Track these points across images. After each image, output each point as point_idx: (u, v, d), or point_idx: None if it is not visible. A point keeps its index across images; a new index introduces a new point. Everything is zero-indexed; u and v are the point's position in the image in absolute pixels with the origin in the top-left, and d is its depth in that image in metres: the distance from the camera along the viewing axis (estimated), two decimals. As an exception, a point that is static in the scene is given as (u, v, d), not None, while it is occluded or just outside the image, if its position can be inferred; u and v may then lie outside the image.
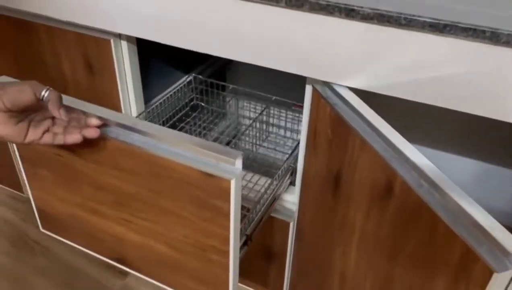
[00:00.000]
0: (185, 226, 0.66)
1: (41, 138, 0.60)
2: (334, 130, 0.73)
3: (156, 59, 1.09)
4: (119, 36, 0.90)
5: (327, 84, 0.73)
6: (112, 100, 0.98)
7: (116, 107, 0.99)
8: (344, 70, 0.69)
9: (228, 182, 0.57)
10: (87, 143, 0.63)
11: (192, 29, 0.77)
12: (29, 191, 0.82)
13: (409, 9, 0.60)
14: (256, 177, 0.95)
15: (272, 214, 0.91)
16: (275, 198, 0.86)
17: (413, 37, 0.61)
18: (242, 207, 0.68)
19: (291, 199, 0.93)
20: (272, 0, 0.67)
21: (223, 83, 1.22)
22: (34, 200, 0.83)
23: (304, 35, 0.69)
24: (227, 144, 1.13)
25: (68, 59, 0.98)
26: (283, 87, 1.11)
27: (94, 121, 0.62)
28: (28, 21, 0.96)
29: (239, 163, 0.57)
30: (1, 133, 0.57)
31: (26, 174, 0.79)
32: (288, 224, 0.93)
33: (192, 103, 1.22)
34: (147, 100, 1.05)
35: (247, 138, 1.30)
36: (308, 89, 0.77)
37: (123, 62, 0.94)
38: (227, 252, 0.64)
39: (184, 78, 1.19)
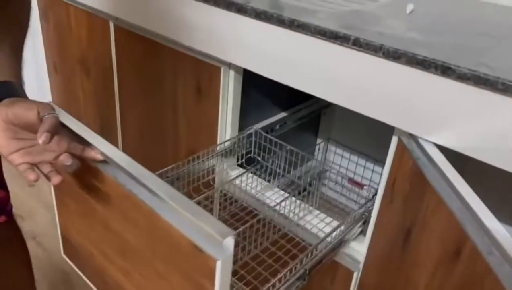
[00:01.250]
0: None
1: (20, 165, 0.57)
2: (412, 184, 0.72)
3: (257, 92, 1.17)
4: (229, 65, 0.99)
5: (413, 137, 0.73)
6: (211, 122, 1.08)
7: (213, 129, 1.08)
8: (433, 125, 0.69)
9: (214, 262, 0.50)
10: (99, 182, 0.62)
11: (294, 67, 0.84)
12: (56, 214, 0.82)
13: (508, 74, 0.60)
14: (328, 219, 0.96)
15: (337, 259, 0.91)
16: (342, 242, 0.86)
17: (508, 103, 0.60)
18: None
19: (359, 248, 0.92)
20: (371, 50, 0.71)
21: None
22: (59, 224, 0.83)
23: (398, 87, 0.71)
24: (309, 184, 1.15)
25: (183, 81, 1.11)
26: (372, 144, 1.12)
27: (94, 154, 0.60)
28: (158, 43, 1.11)
29: (228, 243, 0.50)
30: None
31: (55, 198, 0.79)
32: (351, 274, 0.91)
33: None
34: (241, 127, 1.13)
35: (328, 182, 1.31)
36: (394, 140, 0.78)
37: (228, 89, 1.03)
38: None
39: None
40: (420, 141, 0.71)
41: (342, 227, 0.86)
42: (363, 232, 0.91)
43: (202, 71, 1.04)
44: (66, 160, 0.58)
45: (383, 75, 0.72)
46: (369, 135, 1.32)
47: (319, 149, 1.52)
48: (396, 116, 0.73)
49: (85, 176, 0.66)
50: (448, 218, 0.62)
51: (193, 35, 0.99)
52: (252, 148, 1.05)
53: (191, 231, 0.53)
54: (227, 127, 1.09)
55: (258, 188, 1.06)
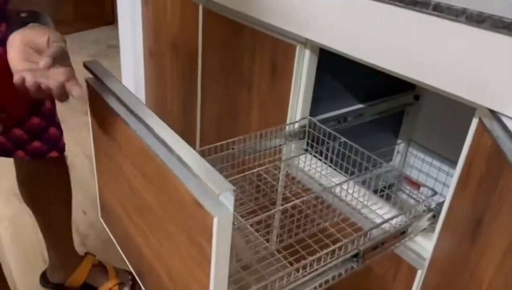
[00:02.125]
0: (180, 258, 0.56)
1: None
2: (489, 166, 0.64)
3: (333, 78, 1.14)
4: (305, 44, 0.98)
5: (495, 116, 0.65)
6: (282, 104, 1.07)
7: (284, 111, 1.07)
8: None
9: (211, 219, 0.46)
10: (126, 139, 0.61)
11: (367, 38, 0.80)
12: (95, 171, 0.82)
13: None
14: (391, 210, 0.89)
15: (399, 253, 0.84)
16: (404, 232, 0.79)
17: None
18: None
19: (425, 244, 0.84)
20: (451, 15, 0.65)
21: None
22: (97, 183, 0.82)
23: (482, 57, 0.64)
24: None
25: (260, 61, 1.12)
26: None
27: (76, 89, 0.58)
28: (240, 24, 1.14)
29: (226, 199, 0.46)
30: (11, 55, 0.57)
31: (94, 154, 0.79)
32: (415, 271, 0.83)
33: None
34: (314, 114, 1.10)
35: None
36: (474, 122, 0.70)
37: (302, 69, 1.02)
38: None
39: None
40: (503, 118, 0.63)
41: (404, 217, 0.80)
42: (432, 228, 0.83)
43: (278, 50, 1.04)
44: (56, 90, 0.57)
45: (465, 45, 0.66)
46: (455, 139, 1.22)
47: (398, 151, 1.44)
48: (477, 92, 0.66)
49: (112, 129, 0.66)
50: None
51: (272, 11, 1.00)
52: (321, 136, 1.02)
53: (194, 185, 0.49)
54: (297, 109, 1.07)
55: (323, 172, 1.03)
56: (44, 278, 1.13)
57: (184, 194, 0.50)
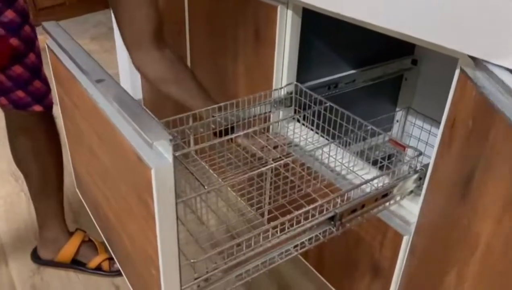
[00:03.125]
0: (134, 221, 0.54)
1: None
2: (476, 119, 0.59)
3: (320, 41, 1.09)
4: (286, 4, 0.93)
5: (478, 64, 0.60)
6: (267, 67, 1.02)
7: (269, 78, 1.03)
8: (505, 46, 0.56)
9: (150, 171, 0.42)
10: (80, 98, 0.59)
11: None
12: (67, 146, 0.81)
13: None
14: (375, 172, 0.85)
15: (385, 220, 0.80)
16: (388, 195, 0.75)
17: None
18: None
19: (411, 208, 0.80)
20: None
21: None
22: (69, 153, 0.82)
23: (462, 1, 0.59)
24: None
25: (243, 26, 1.07)
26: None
27: None
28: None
29: (162, 147, 0.43)
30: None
31: (64, 125, 0.78)
32: (401, 238, 0.79)
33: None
34: (303, 81, 1.05)
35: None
36: (456, 74, 0.65)
37: (285, 32, 0.97)
38: (159, 270, 0.49)
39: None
40: (489, 66, 0.58)
41: (387, 179, 0.75)
42: (419, 192, 0.79)
43: (260, 13, 1.00)
44: None
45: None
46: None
47: (397, 121, 1.38)
48: (456, 38, 0.61)
49: (70, 91, 0.65)
50: None
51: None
52: (308, 102, 0.97)
53: (135, 138, 0.46)
54: (283, 75, 1.02)
55: (310, 139, 0.99)
56: (35, 255, 1.13)
57: (127, 149, 0.47)
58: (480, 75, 0.59)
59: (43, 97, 0.94)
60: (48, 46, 0.68)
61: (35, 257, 1.13)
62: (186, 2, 1.28)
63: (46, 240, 1.10)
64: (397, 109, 1.35)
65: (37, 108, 0.93)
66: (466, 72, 0.62)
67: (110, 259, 1.09)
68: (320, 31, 1.05)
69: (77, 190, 0.84)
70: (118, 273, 1.08)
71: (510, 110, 0.52)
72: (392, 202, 0.77)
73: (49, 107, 0.97)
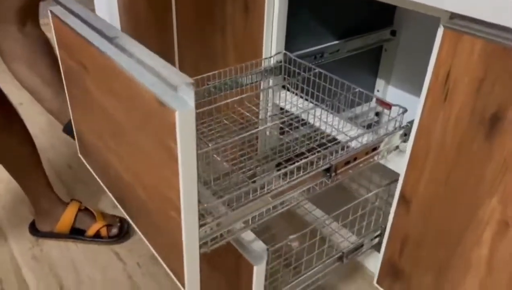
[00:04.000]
0: (153, 169, 0.57)
1: None
2: (490, 66, 0.64)
3: (307, 13, 1.13)
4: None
5: (469, 20, 0.65)
6: (257, 38, 1.06)
7: (259, 47, 1.07)
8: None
9: (174, 114, 0.46)
10: (91, 59, 0.61)
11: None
12: (71, 114, 0.83)
13: None
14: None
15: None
16: (376, 148, 0.81)
17: None
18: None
19: (397, 162, 0.86)
20: None
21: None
22: (73, 122, 0.83)
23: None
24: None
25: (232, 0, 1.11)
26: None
27: None
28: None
29: (186, 92, 0.46)
30: None
31: (67, 93, 0.80)
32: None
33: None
34: (290, 50, 1.10)
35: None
36: (439, 33, 0.71)
37: (274, 2, 1.01)
38: (180, 211, 0.52)
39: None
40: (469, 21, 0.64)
41: (375, 136, 0.82)
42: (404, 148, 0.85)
43: (249, -15, 1.03)
44: None
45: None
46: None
47: (378, 90, 1.45)
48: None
49: (78, 54, 0.66)
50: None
51: None
52: (297, 70, 1.02)
53: (156, 86, 0.49)
54: (272, 45, 1.07)
55: (300, 106, 1.04)
56: (33, 228, 1.15)
57: (148, 97, 0.50)
58: (483, 27, 0.64)
59: None
60: (52, 12, 0.70)
61: (34, 230, 1.15)
62: (171, -23, 1.30)
63: (42, 213, 1.12)
64: (378, 80, 1.42)
65: None
66: (455, 28, 0.68)
67: (108, 225, 1.12)
68: (306, 2, 1.09)
69: (81, 156, 0.86)
70: (116, 239, 1.11)
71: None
72: (380, 156, 0.83)
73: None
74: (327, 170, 0.74)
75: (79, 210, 1.12)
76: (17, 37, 0.84)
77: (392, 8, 1.32)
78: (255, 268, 0.67)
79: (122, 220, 1.14)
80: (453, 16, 0.67)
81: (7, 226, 1.17)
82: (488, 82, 0.66)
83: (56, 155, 1.45)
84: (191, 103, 0.46)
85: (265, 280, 0.71)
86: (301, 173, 0.71)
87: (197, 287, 0.61)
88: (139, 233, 0.69)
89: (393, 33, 1.34)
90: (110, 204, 1.24)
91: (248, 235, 0.70)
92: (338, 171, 0.75)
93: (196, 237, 0.56)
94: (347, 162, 0.76)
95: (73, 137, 0.89)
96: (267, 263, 0.69)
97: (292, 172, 0.69)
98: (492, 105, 0.66)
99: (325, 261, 0.86)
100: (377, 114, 1.40)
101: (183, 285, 0.60)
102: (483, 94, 0.67)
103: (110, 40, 0.56)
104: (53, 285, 1.02)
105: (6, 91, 0.96)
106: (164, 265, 0.64)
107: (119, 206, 0.74)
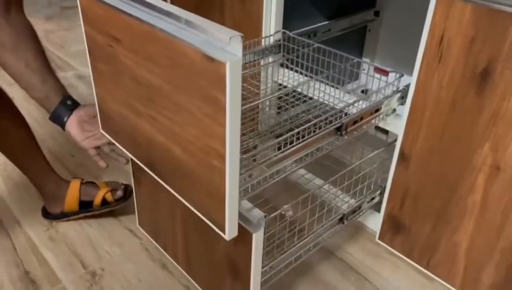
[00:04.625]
0: (194, 124, 0.62)
1: (90, 150, 0.96)
2: (479, 26, 0.74)
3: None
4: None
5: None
6: (256, 19, 1.13)
7: (258, 26, 1.14)
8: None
9: (224, 66, 0.51)
10: (125, 30, 0.67)
11: None
12: (94, 90, 0.88)
13: None
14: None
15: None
16: (378, 109, 0.89)
17: None
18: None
19: (396, 123, 0.95)
20: None
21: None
22: (97, 99, 0.88)
23: None
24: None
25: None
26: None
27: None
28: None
29: (236, 45, 0.52)
30: (73, 132, 0.92)
31: (91, 69, 0.85)
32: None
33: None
34: (289, 30, 1.17)
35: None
36: (432, 2, 0.80)
37: (272, -13, 1.08)
38: (224, 157, 0.58)
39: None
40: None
41: (376, 98, 0.90)
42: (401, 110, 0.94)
43: (249, -32, 1.10)
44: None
45: None
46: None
47: (364, 69, 1.54)
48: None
49: (109, 28, 0.72)
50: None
51: None
52: (295, 46, 1.09)
53: (202, 44, 0.55)
54: (271, 25, 1.14)
55: (301, 80, 1.12)
56: (45, 211, 1.18)
57: (194, 56, 0.56)
58: None
59: None
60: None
61: (46, 213, 1.18)
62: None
63: (49, 196, 1.16)
64: (364, 58, 1.51)
65: None
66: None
67: (112, 190, 1.16)
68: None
69: (103, 131, 0.91)
70: (123, 201, 1.16)
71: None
72: (381, 116, 0.92)
73: None
74: (338, 128, 0.82)
75: (82, 183, 1.16)
76: (1, 24, 0.85)
77: (375, -11, 1.42)
78: (254, 235, 0.71)
79: (124, 184, 1.18)
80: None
81: (20, 215, 1.20)
82: (478, 40, 0.75)
83: (57, 145, 1.47)
84: (239, 54, 0.53)
85: (263, 248, 0.74)
86: (315, 132, 0.78)
87: (236, 232, 0.67)
88: (173, 192, 0.75)
89: (377, 13, 1.43)
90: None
91: (246, 204, 0.74)
92: (348, 129, 0.83)
93: (237, 183, 0.62)
94: (355, 122, 0.85)
95: (60, 124, 0.94)
96: (265, 231, 0.73)
97: (306, 132, 0.77)
98: (482, 61, 0.76)
99: (326, 223, 0.93)
100: (363, 91, 1.49)
101: (223, 230, 0.67)
102: (474, 52, 0.76)
103: (149, 8, 0.62)
104: (74, 262, 1.06)
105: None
106: (202, 217, 0.70)
107: (148, 170, 0.80)
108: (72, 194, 1.14)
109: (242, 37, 0.52)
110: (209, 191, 0.66)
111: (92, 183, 1.17)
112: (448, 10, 0.77)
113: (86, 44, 0.81)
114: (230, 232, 0.67)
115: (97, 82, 0.85)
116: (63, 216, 1.16)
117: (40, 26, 2.54)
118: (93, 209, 1.16)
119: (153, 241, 1.09)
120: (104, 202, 1.15)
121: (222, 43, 0.54)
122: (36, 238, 1.12)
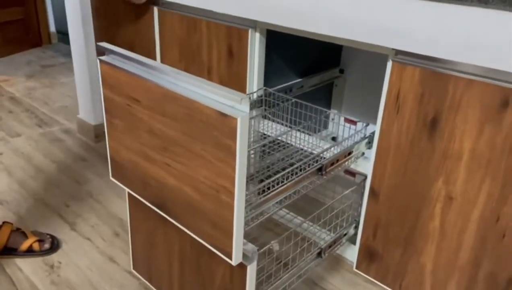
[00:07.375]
0: (206, 167, 0.75)
1: None
2: (426, 85, 0.93)
3: (279, 57, 1.41)
4: (255, 28, 1.23)
5: (409, 54, 0.94)
6: (241, 79, 1.31)
7: (243, 85, 1.32)
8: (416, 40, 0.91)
9: (235, 120, 0.67)
10: (145, 92, 0.81)
11: (309, 12, 1.07)
12: (107, 142, 0.99)
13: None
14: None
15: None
16: (350, 153, 1.06)
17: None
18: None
19: (365, 165, 1.12)
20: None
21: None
22: (109, 150, 0.99)
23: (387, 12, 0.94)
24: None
25: (217, 46, 1.35)
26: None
27: None
28: (194, 18, 1.36)
29: (245, 104, 0.67)
30: None
31: (107, 125, 0.96)
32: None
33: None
34: (268, 87, 1.35)
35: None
36: (388, 65, 1.00)
37: (254, 49, 1.27)
38: (233, 193, 0.72)
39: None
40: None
41: (348, 141, 1.07)
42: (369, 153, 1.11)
43: (233, 36, 1.29)
44: None
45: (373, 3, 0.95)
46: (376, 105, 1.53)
47: (332, 119, 1.74)
48: (389, 38, 0.95)
49: (128, 91, 0.86)
50: (484, 88, 0.84)
51: (224, 1, 1.24)
52: (276, 102, 1.27)
53: (216, 104, 0.71)
54: (254, 83, 1.32)
55: (281, 130, 1.28)
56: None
57: (209, 113, 0.71)
58: (417, 60, 0.93)
59: None
60: (101, 60, 0.90)
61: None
62: (156, 31, 1.52)
63: None
64: (332, 110, 1.71)
65: None
66: (398, 61, 0.96)
67: (40, 241, 1.26)
68: (278, 48, 1.37)
69: (112, 179, 1.03)
70: (49, 251, 1.26)
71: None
72: (353, 159, 1.09)
73: None
74: (319, 169, 0.97)
75: (12, 231, 1.25)
76: None
77: (338, 51, 1.64)
78: (248, 267, 0.82)
79: (52, 236, 1.29)
80: (398, 52, 0.96)
81: (19, 260, 1.26)
82: (426, 96, 0.94)
83: (51, 196, 1.55)
84: (247, 111, 0.68)
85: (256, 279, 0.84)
86: (301, 173, 0.93)
87: (241, 258, 0.80)
88: (181, 227, 0.87)
89: (341, 71, 1.65)
90: (107, 232, 1.37)
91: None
92: (327, 170, 0.99)
93: (243, 214, 0.76)
94: (332, 164, 1.01)
95: None
96: (257, 263, 0.83)
97: (291, 174, 0.92)
98: (430, 112, 0.95)
99: (306, 257, 1.06)
100: (333, 138, 1.68)
101: (230, 257, 0.79)
102: (423, 105, 0.96)
103: (166, 74, 0.77)
104: (78, 303, 1.12)
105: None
106: (210, 247, 0.82)
107: (159, 211, 0.91)
108: (0, 239, 1.23)
109: (249, 97, 0.68)
110: (217, 223, 0.78)
111: (21, 231, 1.27)
112: (402, 72, 0.97)
113: (103, 104, 0.95)
114: (236, 257, 0.79)
115: (111, 136, 0.97)
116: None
117: (22, 84, 2.64)
118: (17, 253, 1.25)
119: (148, 283, 1.18)
120: (30, 249, 1.25)
121: (232, 102, 0.70)
122: (40, 283, 1.19)
